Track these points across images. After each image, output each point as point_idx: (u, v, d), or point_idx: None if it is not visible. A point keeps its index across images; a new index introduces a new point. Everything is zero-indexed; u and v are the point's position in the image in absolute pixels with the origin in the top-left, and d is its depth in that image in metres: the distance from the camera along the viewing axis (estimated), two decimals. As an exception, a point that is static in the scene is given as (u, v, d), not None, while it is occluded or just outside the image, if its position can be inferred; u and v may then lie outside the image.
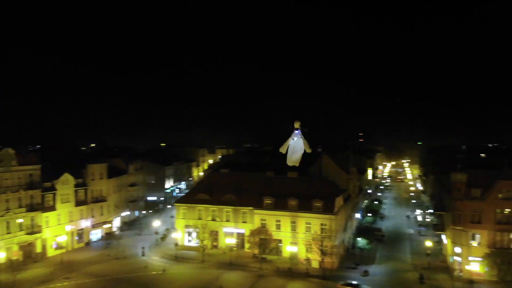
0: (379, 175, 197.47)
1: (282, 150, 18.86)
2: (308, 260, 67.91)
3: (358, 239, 75.12)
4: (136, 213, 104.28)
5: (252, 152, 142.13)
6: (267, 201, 72.66)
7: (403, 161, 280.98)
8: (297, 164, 18.56)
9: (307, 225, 69.93)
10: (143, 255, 73.84)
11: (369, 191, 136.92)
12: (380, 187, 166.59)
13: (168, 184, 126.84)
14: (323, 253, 64.72)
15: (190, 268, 67.98)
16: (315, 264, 67.35)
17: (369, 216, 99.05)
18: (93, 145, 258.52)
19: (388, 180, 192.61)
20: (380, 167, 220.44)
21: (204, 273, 65.05)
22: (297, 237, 70.33)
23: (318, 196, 70.65)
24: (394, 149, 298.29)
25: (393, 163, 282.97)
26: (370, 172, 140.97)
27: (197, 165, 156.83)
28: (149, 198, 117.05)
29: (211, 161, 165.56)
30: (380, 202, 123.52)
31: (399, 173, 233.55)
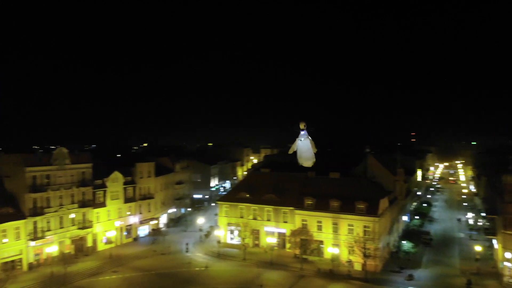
0: (430, 177, 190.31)
1: (291, 151, 19.14)
2: (350, 262, 66.87)
3: (403, 242, 72.94)
4: (182, 210, 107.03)
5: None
6: (308, 201, 72.24)
7: (457, 162, 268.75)
8: (309, 165, 18.63)
9: (350, 227, 68.79)
10: (187, 251, 75.84)
11: (419, 193, 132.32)
12: (431, 189, 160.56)
13: (213, 182, 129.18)
14: (365, 255, 63.51)
15: (232, 265, 68.99)
16: (357, 267, 66.23)
17: (417, 219, 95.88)
18: (145, 144, 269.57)
19: (439, 182, 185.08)
20: (432, 168, 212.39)
21: (245, 271, 65.80)
22: (339, 238, 69.38)
23: (361, 198, 69.38)
24: (447, 149, 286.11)
25: (446, 164, 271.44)
26: (419, 173, 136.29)
27: (242, 164, 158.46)
28: (195, 196, 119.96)
29: (255, 161, 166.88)
30: (430, 204, 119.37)
31: (451, 175, 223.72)
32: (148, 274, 64.20)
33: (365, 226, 67.39)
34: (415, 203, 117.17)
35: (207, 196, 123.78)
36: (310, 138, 17.55)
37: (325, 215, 70.67)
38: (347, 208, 69.43)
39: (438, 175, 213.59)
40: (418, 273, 65.24)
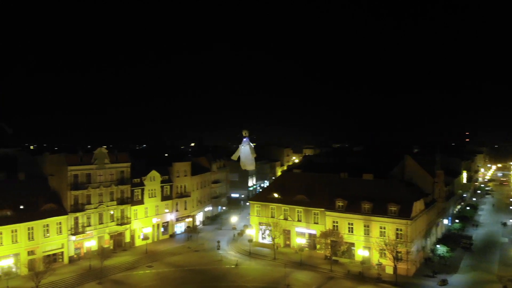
0: (479, 179, 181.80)
1: (234, 157, 20.64)
2: (380, 265, 65.74)
3: (437, 246, 70.75)
4: (219, 208, 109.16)
5: (338, 152, 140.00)
6: (339, 203, 71.69)
7: (511, 163, 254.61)
8: (251, 168, 20.32)
9: (381, 230, 67.69)
10: (218, 249, 77.59)
11: (464, 195, 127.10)
12: (478, 191, 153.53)
13: (251, 182, 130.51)
14: (397, 259, 62.29)
15: (262, 264, 69.91)
16: (388, 270, 65.00)
17: (457, 222, 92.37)
18: (192, 144, 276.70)
19: (489, 184, 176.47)
20: (482, 170, 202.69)
21: (275, 271, 66.43)
22: (370, 241, 68.43)
23: (394, 200, 68.01)
24: (501, 150, 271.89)
25: (499, 165, 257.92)
26: (465, 175, 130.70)
27: (282, 164, 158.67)
28: (232, 195, 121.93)
29: (297, 161, 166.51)
30: (475, 208, 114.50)
31: (503, 176, 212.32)
32: (181, 270, 66.48)
33: (397, 229, 66.05)
34: (459, 206, 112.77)
35: (244, 196, 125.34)
36: (250, 144, 18.57)
37: (357, 217, 69.92)
38: (379, 210, 68.34)
39: (489, 177, 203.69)
40: (452, 278, 63.27)
